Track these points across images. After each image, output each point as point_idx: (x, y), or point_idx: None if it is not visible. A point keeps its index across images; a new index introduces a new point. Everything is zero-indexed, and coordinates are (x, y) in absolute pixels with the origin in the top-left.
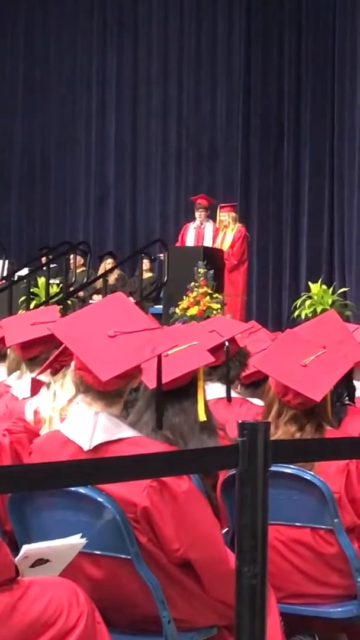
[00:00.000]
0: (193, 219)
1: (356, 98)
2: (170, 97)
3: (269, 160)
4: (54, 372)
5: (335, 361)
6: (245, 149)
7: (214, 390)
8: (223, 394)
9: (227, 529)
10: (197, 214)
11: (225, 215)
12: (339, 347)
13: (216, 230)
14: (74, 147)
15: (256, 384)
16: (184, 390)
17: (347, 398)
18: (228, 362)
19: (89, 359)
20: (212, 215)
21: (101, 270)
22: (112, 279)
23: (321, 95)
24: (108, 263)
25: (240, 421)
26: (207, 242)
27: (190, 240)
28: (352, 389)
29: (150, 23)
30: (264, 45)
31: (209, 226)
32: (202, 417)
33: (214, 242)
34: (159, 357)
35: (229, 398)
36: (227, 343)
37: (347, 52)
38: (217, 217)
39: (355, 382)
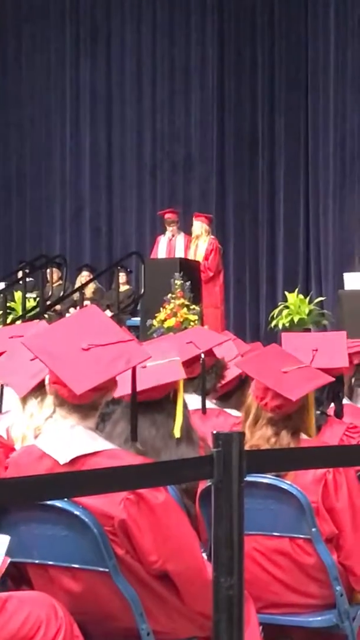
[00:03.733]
0: (165, 231)
1: (329, 109)
2: (144, 110)
3: (244, 171)
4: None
5: (316, 371)
6: (219, 160)
7: (190, 401)
8: (200, 405)
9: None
10: (167, 229)
11: (198, 225)
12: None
13: (188, 241)
14: (48, 161)
15: (228, 394)
16: (157, 403)
17: (334, 410)
18: (204, 374)
19: (63, 373)
20: (183, 226)
21: (78, 284)
22: (89, 292)
23: (295, 106)
24: (84, 276)
25: (214, 432)
26: (179, 254)
27: (162, 253)
28: (339, 404)
29: (123, 36)
30: (237, 56)
31: (180, 238)
32: (177, 433)
33: (186, 253)
34: (134, 369)
35: (204, 410)
36: (203, 356)
37: (320, 63)
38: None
39: (348, 401)
